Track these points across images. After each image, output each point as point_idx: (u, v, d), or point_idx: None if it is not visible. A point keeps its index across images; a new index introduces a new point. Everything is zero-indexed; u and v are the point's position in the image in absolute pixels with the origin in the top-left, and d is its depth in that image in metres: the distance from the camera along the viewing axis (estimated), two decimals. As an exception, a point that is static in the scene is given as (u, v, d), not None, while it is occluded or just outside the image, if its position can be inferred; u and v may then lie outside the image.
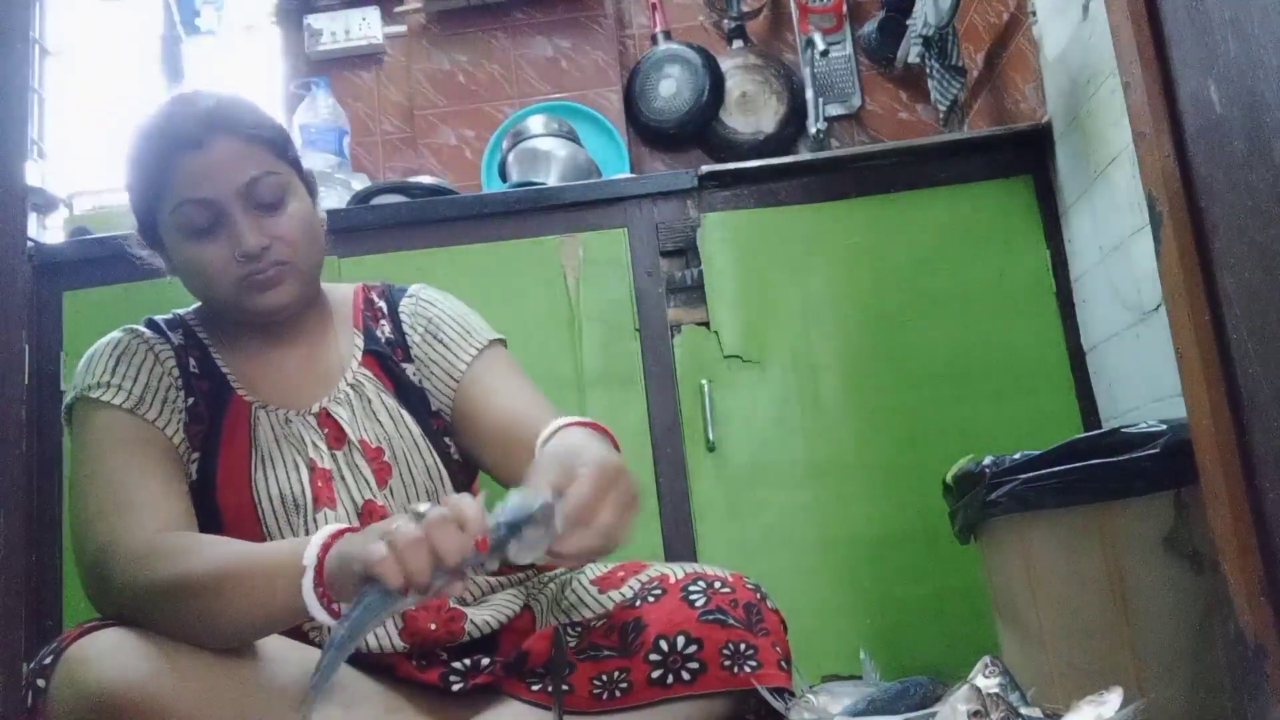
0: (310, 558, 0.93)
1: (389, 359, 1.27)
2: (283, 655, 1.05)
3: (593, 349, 1.99)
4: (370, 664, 1.13)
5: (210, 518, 1.15)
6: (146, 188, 1.18)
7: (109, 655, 0.96)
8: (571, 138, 2.39)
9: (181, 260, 1.19)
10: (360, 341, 1.28)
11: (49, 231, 2.34)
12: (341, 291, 1.33)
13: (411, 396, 1.26)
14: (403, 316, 1.30)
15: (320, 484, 1.18)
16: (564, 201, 2.05)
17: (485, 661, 1.14)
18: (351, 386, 1.25)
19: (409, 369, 1.27)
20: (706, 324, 2.00)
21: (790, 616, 1.22)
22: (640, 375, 1.98)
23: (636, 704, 1.09)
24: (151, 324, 1.25)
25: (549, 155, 2.31)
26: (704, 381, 1.96)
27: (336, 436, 1.21)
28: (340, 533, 0.96)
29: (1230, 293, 0.98)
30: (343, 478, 1.20)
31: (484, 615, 1.19)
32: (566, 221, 2.05)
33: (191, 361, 1.21)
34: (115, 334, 1.23)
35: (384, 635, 1.14)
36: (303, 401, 1.23)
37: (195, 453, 1.17)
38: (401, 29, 2.66)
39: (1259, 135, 0.89)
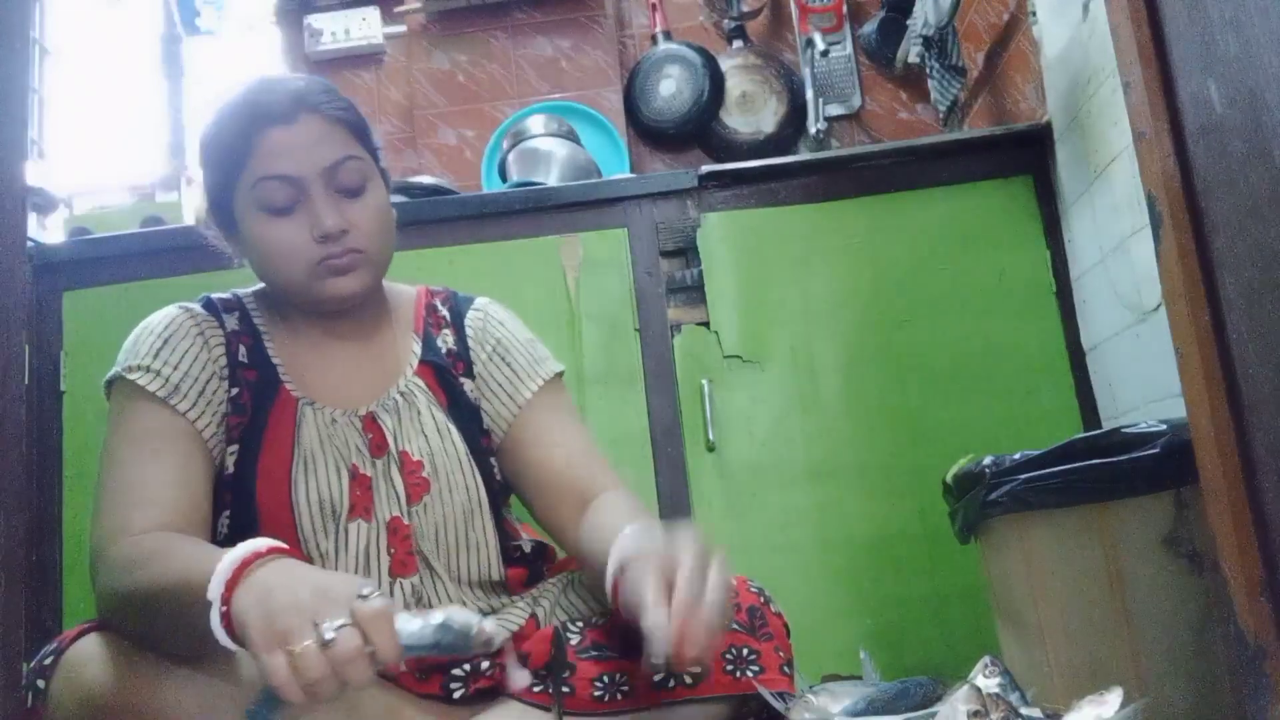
0: (214, 593, 0.84)
1: (447, 371, 1.24)
2: None
3: (593, 349, 1.99)
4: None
5: (247, 515, 1.12)
6: (226, 161, 1.14)
7: (109, 658, 0.96)
8: (571, 138, 2.39)
9: (255, 239, 1.14)
10: (418, 349, 1.24)
11: (49, 231, 2.34)
12: (403, 292, 1.29)
13: (464, 413, 1.23)
14: (468, 330, 1.27)
15: (359, 492, 1.15)
16: (564, 201, 2.05)
17: (485, 665, 1.14)
18: (402, 394, 1.21)
19: (468, 385, 1.24)
20: (706, 324, 2.00)
21: (790, 616, 1.22)
22: (640, 375, 1.98)
23: (638, 706, 1.09)
24: (208, 304, 1.21)
25: (549, 155, 2.31)
26: (704, 381, 1.96)
27: (379, 444, 1.17)
28: (252, 558, 0.86)
29: (1230, 293, 0.98)
30: (378, 488, 1.16)
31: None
32: (566, 221, 2.05)
33: (242, 349, 1.18)
34: (171, 310, 1.18)
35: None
36: (351, 402, 1.19)
37: (233, 445, 1.14)
38: (401, 29, 2.67)
39: (1259, 135, 0.89)
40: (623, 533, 1.01)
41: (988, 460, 1.38)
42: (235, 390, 1.15)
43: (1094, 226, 1.83)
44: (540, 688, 1.11)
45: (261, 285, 1.24)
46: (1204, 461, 1.04)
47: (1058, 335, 1.96)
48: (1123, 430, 1.29)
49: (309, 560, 1.11)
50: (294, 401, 1.17)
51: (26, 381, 1.96)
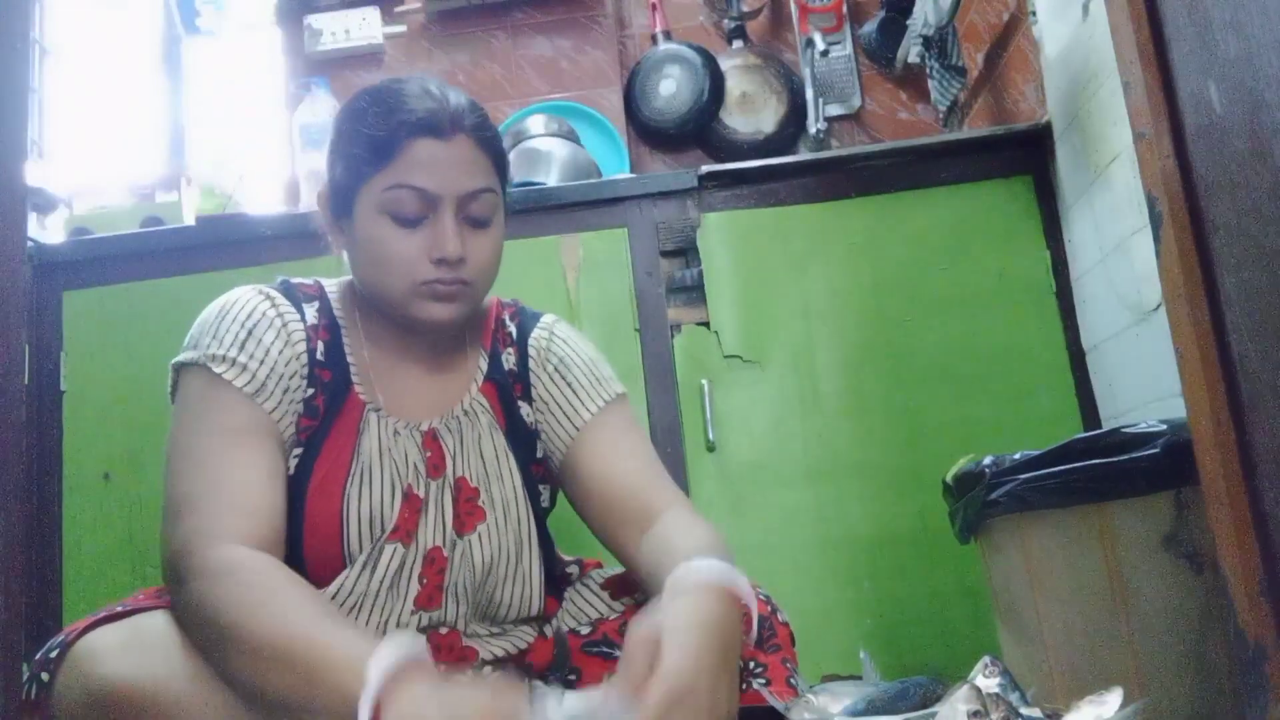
0: (369, 697, 0.82)
1: (507, 391, 1.22)
2: None
3: (593, 349, 1.99)
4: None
5: (294, 520, 1.08)
6: (366, 154, 1.11)
7: (116, 652, 0.95)
8: (571, 138, 2.39)
9: (369, 240, 1.11)
10: (484, 365, 1.23)
11: (49, 231, 2.34)
12: (480, 310, 1.26)
13: (520, 439, 1.21)
14: (530, 350, 1.25)
15: (407, 514, 1.12)
16: (564, 201, 2.05)
17: (488, 671, 1.13)
18: (465, 412, 1.19)
19: (524, 409, 1.22)
20: (706, 324, 2.00)
21: (790, 617, 1.22)
22: (640, 375, 1.98)
23: None
24: (288, 291, 1.17)
25: (549, 155, 2.31)
26: (704, 381, 1.96)
27: (436, 464, 1.15)
28: (406, 666, 0.84)
29: (1230, 293, 0.98)
30: (427, 512, 1.13)
31: (496, 647, 1.17)
32: (566, 221, 2.05)
33: (320, 345, 1.14)
34: (251, 297, 1.14)
35: None
36: (415, 413, 1.17)
37: (298, 449, 1.11)
38: (401, 29, 2.67)
39: (1259, 135, 0.89)
40: (676, 573, 0.96)
41: (988, 460, 1.38)
42: (311, 391, 1.12)
43: (1094, 226, 1.83)
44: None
45: (346, 280, 1.22)
46: (1204, 461, 1.04)
47: (1058, 335, 1.96)
48: (1123, 430, 1.29)
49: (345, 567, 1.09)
50: (361, 406, 1.14)
51: (26, 381, 1.96)
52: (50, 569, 1.92)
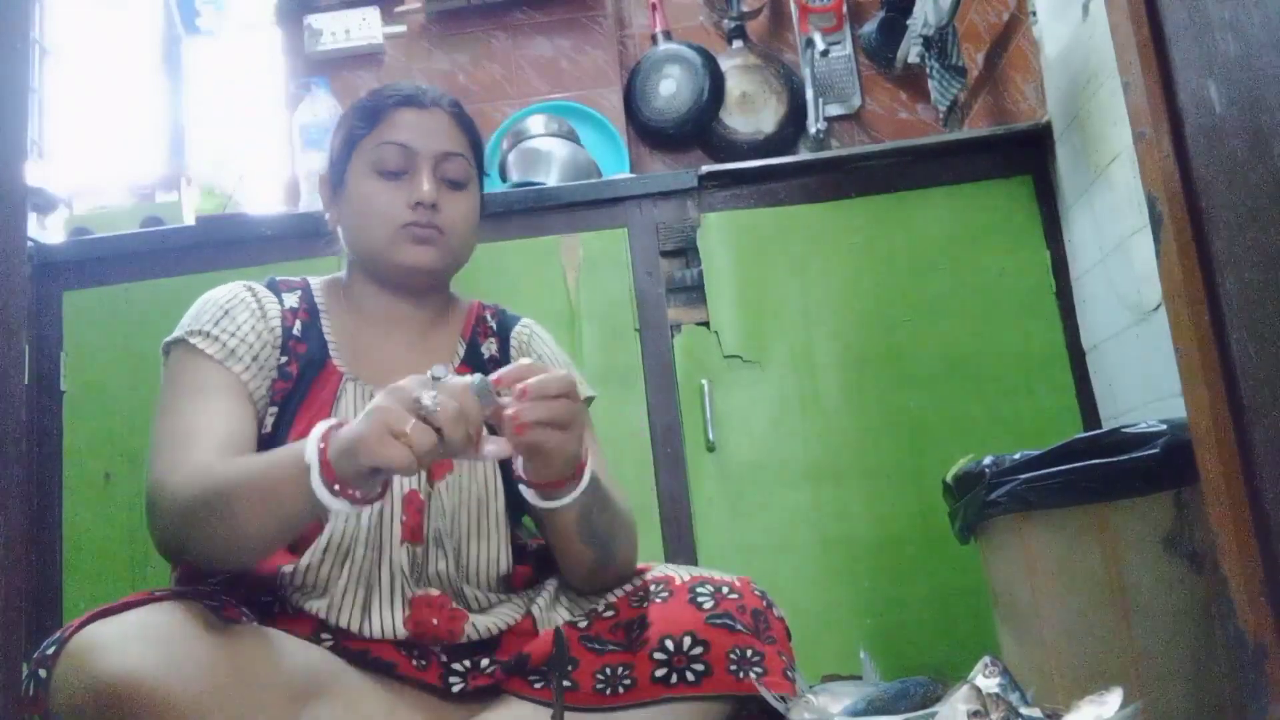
0: (311, 456, 0.96)
1: (485, 372, 1.28)
2: (285, 650, 1.05)
3: (593, 349, 1.99)
4: (370, 663, 1.13)
5: None
6: (358, 124, 1.28)
7: (113, 645, 0.96)
8: (571, 138, 2.39)
9: (358, 195, 1.26)
10: (461, 351, 1.33)
11: (49, 231, 2.34)
12: (459, 301, 1.39)
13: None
14: (512, 341, 1.36)
15: None
16: (564, 201, 2.05)
17: (485, 663, 1.14)
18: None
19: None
20: (706, 324, 2.01)
21: (790, 616, 1.22)
22: (640, 375, 1.98)
23: (639, 701, 1.09)
24: (270, 283, 1.31)
25: (549, 155, 2.31)
26: (704, 381, 1.96)
27: None
28: (336, 426, 0.98)
29: (1230, 293, 0.98)
30: None
31: (486, 621, 1.20)
32: (566, 221, 2.05)
33: (297, 324, 1.27)
34: (234, 286, 1.27)
35: (388, 621, 1.15)
36: (391, 383, 1.25)
37: (273, 407, 1.21)
38: (401, 29, 2.67)
39: (1259, 135, 0.89)
40: None
41: (988, 460, 1.38)
42: (284, 359, 1.24)
43: (1094, 226, 1.83)
44: (542, 684, 1.11)
45: (331, 276, 1.34)
46: (1204, 461, 1.04)
47: (1058, 335, 1.96)
48: (1123, 430, 1.29)
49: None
50: (338, 376, 1.24)
51: (26, 381, 1.96)
52: (50, 569, 1.92)
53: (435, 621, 1.15)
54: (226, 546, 1.05)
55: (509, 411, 0.98)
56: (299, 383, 1.23)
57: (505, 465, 1.25)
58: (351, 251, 1.31)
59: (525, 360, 1.03)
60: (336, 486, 0.95)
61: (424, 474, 1.21)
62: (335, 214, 1.32)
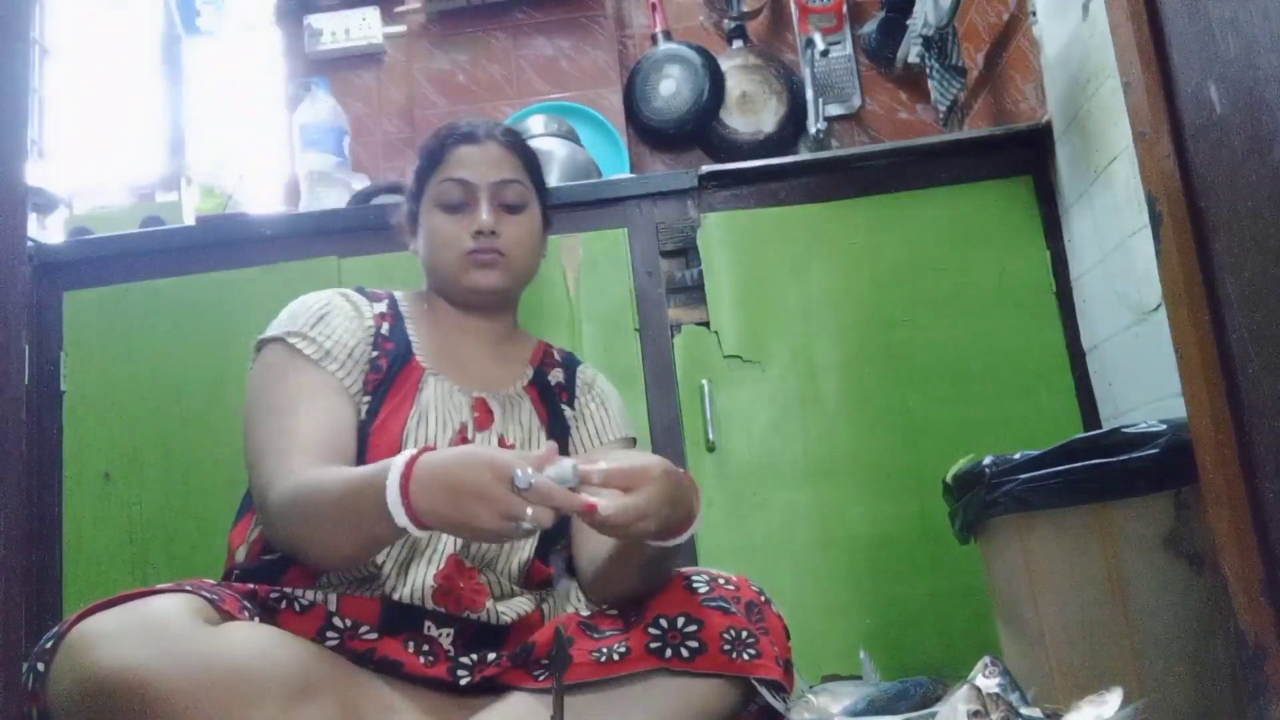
0: (393, 484, 1.02)
1: (552, 394, 1.43)
2: (281, 647, 1.05)
3: (593, 349, 1.99)
4: (375, 662, 1.14)
5: (361, 455, 1.25)
6: (426, 164, 1.41)
7: (109, 639, 0.96)
8: (571, 138, 2.39)
9: (428, 228, 1.39)
10: (530, 374, 1.44)
11: (49, 231, 2.34)
12: (529, 335, 1.52)
13: (557, 429, 1.40)
14: (578, 378, 1.47)
15: (460, 443, 1.29)
16: (564, 201, 2.05)
17: (491, 656, 1.16)
18: (510, 396, 1.39)
19: (567, 411, 1.43)
20: (706, 324, 2.00)
21: (790, 616, 1.22)
22: (640, 375, 1.98)
23: (633, 670, 1.11)
24: (360, 290, 1.41)
25: (549, 155, 2.31)
26: (704, 381, 1.96)
27: (484, 421, 1.35)
28: (421, 452, 1.04)
29: (1230, 293, 0.98)
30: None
31: (502, 607, 1.25)
32: (566, 221, 2.05)
33: (385, 326, 1.36)
34: (327, 293, 1.37)
35: (417, 590, 1.20)
36: (469, 384, 1.37)
37: (366, 396, 1.30)
38: (401, 29, 2.67)
39: (1259, 135, 0.89)
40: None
41: (988, 460, 1.38)
42: (375, 354, 1.33)
43: (1094, 226, 1.83)
44: (545, 675, 1.13)
45: (415, 290, 1.45)
46: (1204, 461, 1.04)
47: (1058, 335, 1.96)
48: (1123, 430, 1.29)
49: None
50: (420, 370, 1.34)
51: (26, 381, 1.96)
52: (50, 569, 1.92)
53: (461, 585, 1.21)
54: (327, 557, 1.14)
55: (598, 518, 1.03)
56: (387, 374, 1.32)
57: None
58: (429, 277, 1.43)
59: (603, 465, 1.07)
60: (418, 522, 1.02)
61: None
62: (414, 245, 1.43)
